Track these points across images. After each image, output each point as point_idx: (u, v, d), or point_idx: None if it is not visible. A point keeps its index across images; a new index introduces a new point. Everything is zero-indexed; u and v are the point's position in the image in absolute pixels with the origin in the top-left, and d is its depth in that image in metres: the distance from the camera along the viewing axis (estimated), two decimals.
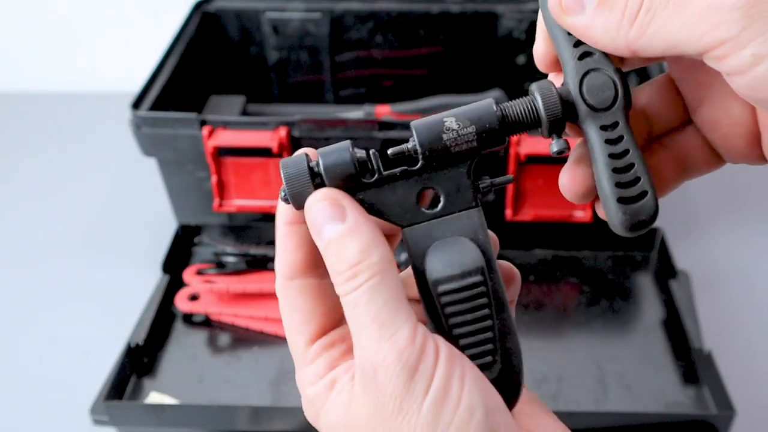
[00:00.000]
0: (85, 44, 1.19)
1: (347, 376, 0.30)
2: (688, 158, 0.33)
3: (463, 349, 0.30)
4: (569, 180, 0.33)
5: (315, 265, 0.32)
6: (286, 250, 0.32)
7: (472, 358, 0.30)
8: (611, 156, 0.30)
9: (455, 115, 0.30)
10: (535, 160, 0.73)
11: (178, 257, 0.80)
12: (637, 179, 0.30)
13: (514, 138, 0.72)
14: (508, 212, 0.76)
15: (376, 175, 0.31)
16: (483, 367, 0.30)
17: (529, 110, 0.31)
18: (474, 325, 0.30)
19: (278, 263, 0.32)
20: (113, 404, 0.63)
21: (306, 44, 0.98)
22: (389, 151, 0.31)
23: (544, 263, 0.81)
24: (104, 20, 1.17)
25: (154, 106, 0.78)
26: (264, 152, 0.74)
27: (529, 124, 0.31)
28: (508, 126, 0.31)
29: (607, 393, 0.67)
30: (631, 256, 0.82)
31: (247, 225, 0.82)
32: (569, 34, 0.30)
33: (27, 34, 1.19)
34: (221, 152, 0.75)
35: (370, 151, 0.31)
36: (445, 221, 0.31)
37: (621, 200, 0.30)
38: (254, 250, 0.78)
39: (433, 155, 0.30)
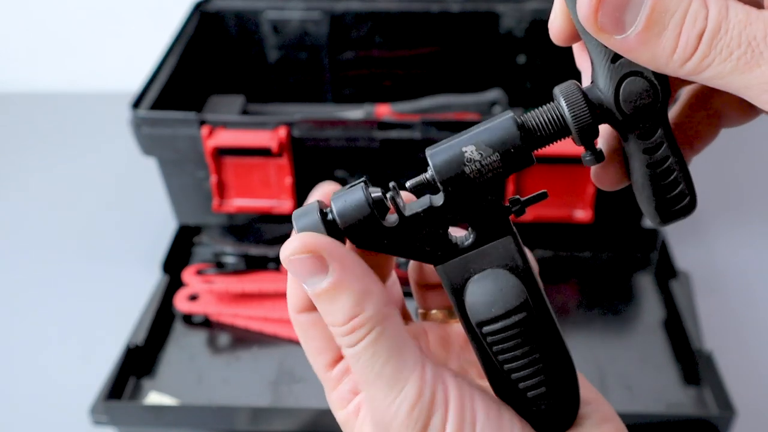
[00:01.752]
0: (85, 44, 1.19)
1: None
2: (723, 112, 0.31)
3: (515, 382, 0.30)
4: (602, 176, 0.30)
5: None
6: (291, 285, 0.31)
7: (525, 390, 0.30)
8: (650, 166, 0.28)
9: (475, 143, 0.27)
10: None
11: (177, 257, 0.80)
12: (677, 184, 0.28)
13: None
14: None
15: (398, 220, 0.28)
16: (537, 399, 0.30)
17: (555, 119, 0.28)
18: (523, 359, 0.29)
19: (287, 297, 0.32)
20: (113, 404, 0.63)
21: (306, 44, 0.98)
22: (407, 184, 0.29)
23: (544, 263, 0.81)
24: (104, 20, 1.17)
25: (154, 106, 0.78)
26: (264, 152, 0.74)
27: (557, 134, 0.28)
28: (534, 141, 0.28)
29: (608, 393, 0.67)
30: (632, 256, 0.82)
31: (247, 225, 0.81)
32: None
33: (27, 34, 1.19)
34: (221, 152, 0.75)
35: (388, 194, 0.28)
36: (480, 252, 0.29)
37: (659, 206, 0.29)
38: (254, 251, 0.78)
39: (456, 190, 0.28)
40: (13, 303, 0.82)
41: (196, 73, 0.93)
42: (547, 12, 0.94)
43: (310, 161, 0.76)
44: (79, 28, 1.17)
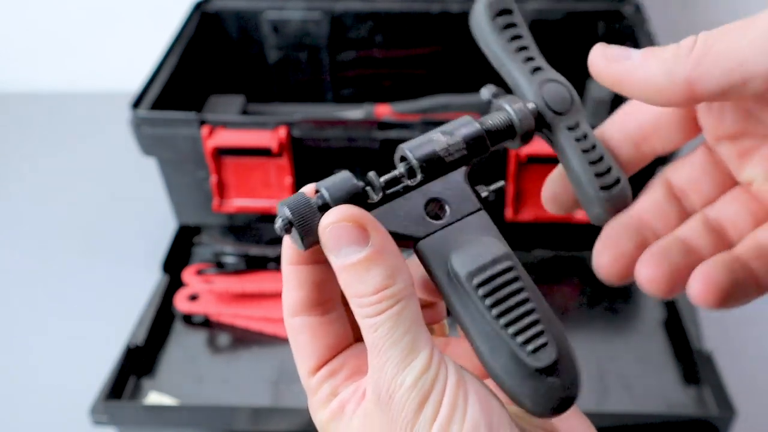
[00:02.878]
0: (85, 44, 1.19)
1: (355, 398, 0.31)
2: (727, 229, 0.32)
3: (513, 336, 0.29)
4: (552, 191, 0.35)
5: (316, 303, 0.32)
6: (288, 289, 0.32)
7: (525, 343, 0.29)
8: (584, 151, 0.32)
9: (440, 130, 0.32)
10: (535, 160, 0.73)
11: (177, 257, 0.80)
12: (610, 168, 0.33)
13: None
14: (509, 212, 0.76)
15: (380, 195, 0.31)
16: (538, 350, 0.29)
17: (504, 122, 0.33)
18: (518, 309, 0.29)
19: (283, 300, 0.32)
20: (113, 404, 0.63)
21: (306, 44, 0.98)
22: (381, 179, 0.31)
23: (544, 263, 0.81)
24: (104, 20, 1.17)
25: (154, 106, 0.78)
26: (264, 152, 0.74)
27: (505, 133, 0.33)
28: (489, 135, 0.33)
29: (608, 393, 0.67)
30: None
31: (247, 225, 0.81)
32: (517, 50, 0.33)
33: (27, 34, 1.19)
34: (221, 152, 0.75)
35: (369, 173, 0.31)
36: (457, 227, 0.31)
37: (603, 188, 0.33)
38: (254, 250, 0.78)
39: (429, 168, 0.31)
40: (14, 303, 0.82)
41: (196, 73, 0.93)
42: (547, 12, 0.94)
43: (310, 161, 0.76)
44: (79, 28, 1.17)
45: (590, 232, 0.88)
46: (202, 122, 0.74)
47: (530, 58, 0.33)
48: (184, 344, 0.73)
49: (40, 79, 1.21)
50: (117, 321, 0.75)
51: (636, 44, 0.88)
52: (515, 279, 0.30)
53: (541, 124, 0.33)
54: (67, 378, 0.73)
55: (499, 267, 0.30)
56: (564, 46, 0.96)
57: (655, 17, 0.92)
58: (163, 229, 0.86)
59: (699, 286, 0.28)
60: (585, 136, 0.33)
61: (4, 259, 0.88)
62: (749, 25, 0.26)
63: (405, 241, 0.31)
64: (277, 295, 0.74)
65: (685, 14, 1.13)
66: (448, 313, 0.32)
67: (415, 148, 0.31)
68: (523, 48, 0.34)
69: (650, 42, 0.86)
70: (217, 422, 0.62)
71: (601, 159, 0.32)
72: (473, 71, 0.99)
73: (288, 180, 0.76)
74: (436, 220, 0.31)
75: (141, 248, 0.87)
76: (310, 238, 0.30)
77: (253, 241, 0.80)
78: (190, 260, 0.82)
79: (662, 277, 0.29)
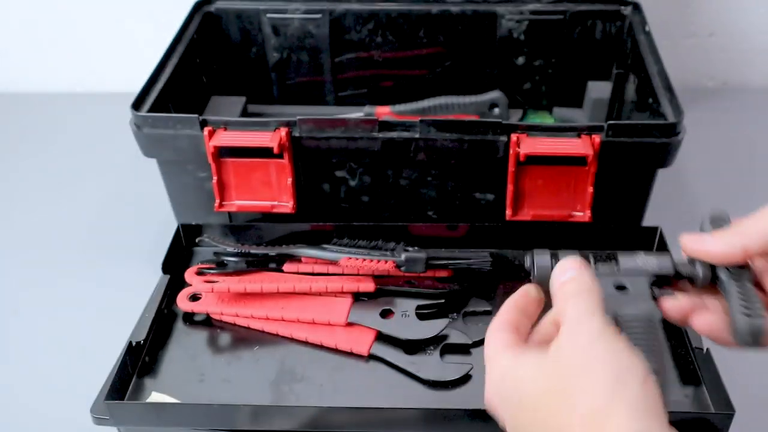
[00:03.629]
0: (86, 44, 1.19)
1: (535, 348, 0.45)
2: None
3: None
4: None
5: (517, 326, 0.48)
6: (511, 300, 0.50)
7: None
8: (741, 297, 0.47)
9: (645, 253, 0.51)
10: (534, 160, 0.73)
11: (178, 257, 0.80)
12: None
13: (514, 138, 0.72)
14: (508, 212, 0.76)
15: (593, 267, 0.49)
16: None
17: (690, 274, 0.50)
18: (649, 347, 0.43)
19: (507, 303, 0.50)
20: (114, 404, 0.63)
21: (306, 45, 0.99)
22: (596, 263, 0.50)
23: None
24: (105, 20, 1.17)
25: (155, 107, 0.78)
26: (264, 152, 0.74)
27: (687, 279, 0.50)
28: (676, 273, 0.50)
29: None
30: None
31: (248, 225, 0.82)
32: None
33: (27, 34, 1.19)
34: (222, 152, 0.75)
35: (590, 255, 0.50)
36: (630, 297, 0.48)
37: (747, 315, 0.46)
38: (255, 250, 0.78)
39: (628, 271, 0.50)
40: (15, 303, 0.82)
41: (197, 74, 0.94)
42: (546, 12, 0.94)
43: (311, 161, 0.77)
44: (79, 28, 1.18)
45: (589, 232, 0.88)
46: (203, 123, 0.74)
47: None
48: (185, 344, 0.73)
49: (40, 79, 1.22)
50: (117, 321, 0.75)
51: (635, 44, 0.89)
52: (654, 337, 0.45)
53: (714, 278, 0.49)
54: (69, 377, 0.73)
55: (647, 323, 0.46)
56: (564, 46, 0.97)
57: (655, 17, 0.92)
58: (164, 229, 0.86)
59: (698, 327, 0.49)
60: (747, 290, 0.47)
61: (4, 259, 0.88)
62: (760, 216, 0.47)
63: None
64: (278, 295, 0.74)
65: (684, 14, 1.13)
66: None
67: (627, 260, 0.50)
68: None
69: (650, 42, 0.87)
70: (217, 421, 0.63)
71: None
72: (473, 72, 0.99)
73: (289, 180, 0.76)
74: (618, 291, 0.48)
75: (142, 249, 0.87)
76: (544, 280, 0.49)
77: (254, 241, 0.80)
78: (191, 260, 0.82)
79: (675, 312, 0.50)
